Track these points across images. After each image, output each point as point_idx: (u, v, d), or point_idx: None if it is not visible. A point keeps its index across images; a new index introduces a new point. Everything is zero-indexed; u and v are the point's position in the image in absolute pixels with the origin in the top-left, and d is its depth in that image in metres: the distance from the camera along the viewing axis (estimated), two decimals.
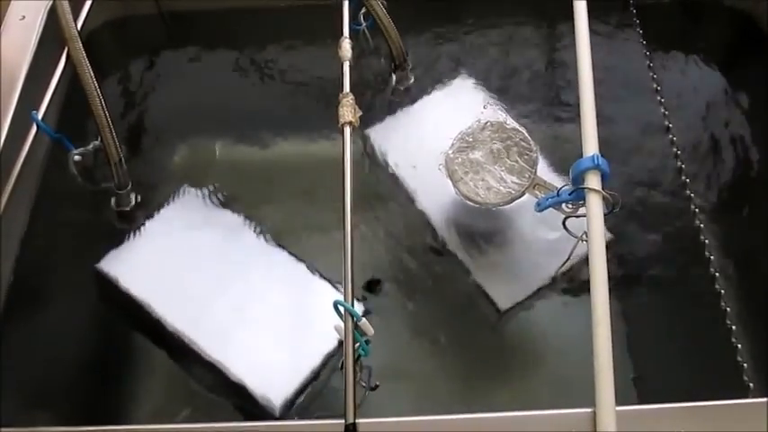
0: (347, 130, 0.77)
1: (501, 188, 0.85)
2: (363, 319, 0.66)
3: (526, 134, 0.87)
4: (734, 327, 0.75)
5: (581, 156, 0.73)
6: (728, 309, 0.76)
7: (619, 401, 0.60)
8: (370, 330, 0.67)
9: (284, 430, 0.69)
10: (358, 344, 0.66)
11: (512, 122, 0.90)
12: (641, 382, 0.79)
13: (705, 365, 0.80)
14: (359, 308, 0.83)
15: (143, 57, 1.12)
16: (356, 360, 0.66)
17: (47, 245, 0.91)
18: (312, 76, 1.07)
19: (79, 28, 0.89)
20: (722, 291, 0.78)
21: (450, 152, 0.88)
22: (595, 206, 0.70)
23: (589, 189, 0.70)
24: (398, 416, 0.65)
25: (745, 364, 0.73)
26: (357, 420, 0.62)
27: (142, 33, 1.13)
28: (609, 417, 0.59)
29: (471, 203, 0.87)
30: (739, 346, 0.74)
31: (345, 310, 0.66)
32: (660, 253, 0.88)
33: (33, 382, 0.82)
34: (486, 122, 0.88)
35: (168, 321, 0.84)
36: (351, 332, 0.65)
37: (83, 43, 0.86)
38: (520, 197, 0.85)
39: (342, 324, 0.67)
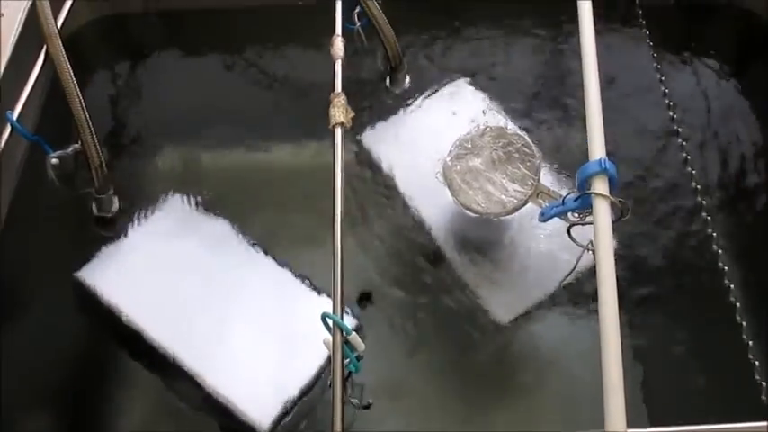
0: (338, 132, 0.74)
1: (502, 197, 0.83)
2: (354, 332, 0.63)
3: (528, 139, 0.85)
4: (750, 342, 0.71)
5: (587, 161, 0.69)
6: (744, 323, 0.72)
7: (629, 423, 0.56)
8: (360, 345, 0.63)
9: None
10: (348, 360, 0.62)
11: (513, 127, 0.87)
12: (652, 402, 0.75)
13: (720, 384, 0.77)
14: (349, 321, 0.79)
15: (129, 57, 1.10)
16: (346, 377, 0.62)
17: (23, 253, 0.88)
18: (303, 78, 1.05)
19: (60, 26, 0.86)
20: (737, 304, 0.74)
21: (448, 159, 0.85)
22: (603, 213, 0.66)
23: (596, 194, 0.67)
24: None
25: (763, 383, 0.69)
26: None
27: (128, 33, 1.12)
28: None
29: (471, 213, 0.84)
30: (756, 363, 0.70)
31: (334, 323, 0.62)
32: (670, 263, 0.85)
33: (6, 398, 0.77)
34: (486, 128, 0.86)
35: (151, 334, 0.81)
36: (339, 347, 0.61)
37: (66, 42, 0.84)
38: (522, 206, 0.83)
39: (331, 338, 0.63)
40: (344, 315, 0.64)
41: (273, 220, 0.92)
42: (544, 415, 0.78)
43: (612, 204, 0.66)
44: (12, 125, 0.83)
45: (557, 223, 0.77)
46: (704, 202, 0.82)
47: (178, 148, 1.01)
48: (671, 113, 0.89)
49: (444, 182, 0.85)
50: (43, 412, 0.80)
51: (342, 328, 0.62)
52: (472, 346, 0.82)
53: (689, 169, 0.84)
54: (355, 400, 0.66)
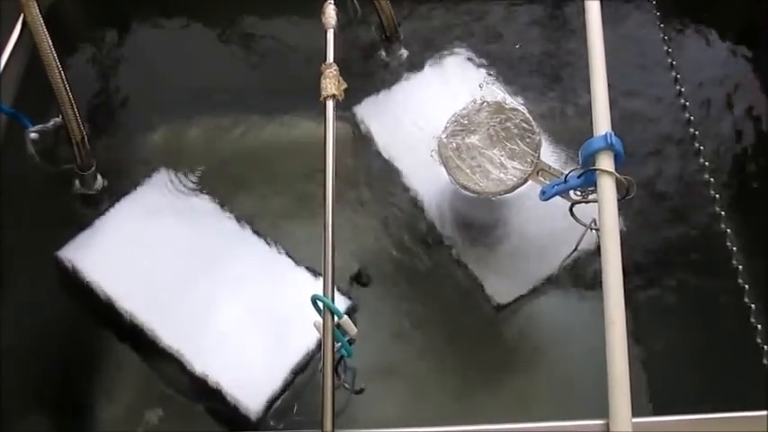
0: (330, 105, 0.71)
1: (501, 175, 0.80)
2: (345, 316, 0.60)
3: (527, 115, 0.82)
4: (759, 326, 0.70)
5: (592, 136, 0.68)
6: (753, 306, 0.70)
7: (634, 412, 0.55)
8: (352, 329, 0.61)
9: None
10: (339, 344, 0.60)
11: (511, 102, 0.84)
12: (658, 389, 0.73)
13: (728, 371, 0.75)
14: (341, 303, 0.77)
15: (113, 27, 1.06)
16: (338, 362, 0.61)
17: (1, 231, 0.84)
18: (294, 50, 1.01)
19: None
20: (746, 286, 0.72)
21: (443, 137, 0.82)
22: (608, 190, 0.64)
23: (601, 171, 0.65)
24: (383, 425, 0.61)
25: None
26: (336, 431, 0.57)
27: (112, 2, 1.08)
28: (624, 430, 0.54)
29: (468, 192, 0.82)
30: (765, 347, 0.68)
31: (324, 306, 0.59)
32: (677, 246, 0.83)
33: None
34: (483, 102, 0.83)
35: (135, 316, 0.79)
36: (330, 331, 0.59)
37: (47, 11, 0.81)
38: (522, 185, 0.80)
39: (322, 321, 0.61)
40: (336, 297, 0.62)
41: (262, 197, 0.90)
42: (542, 400, 0.76)
43: (618, 181, 0.65)
44: None
45: (558, 202, 0.75)
46: (712, 179, 0.80)
47: (164, 122, 0.98)
48: (678, 87, 0.87)
49: (440, 160, 0.83)
50: (23, 395, 0.78)
51: (333, 312, 0.59)
52: (469, 329, 0.81)
53: (696, 144, 0.83)
54: (348, 385, 0.64)
